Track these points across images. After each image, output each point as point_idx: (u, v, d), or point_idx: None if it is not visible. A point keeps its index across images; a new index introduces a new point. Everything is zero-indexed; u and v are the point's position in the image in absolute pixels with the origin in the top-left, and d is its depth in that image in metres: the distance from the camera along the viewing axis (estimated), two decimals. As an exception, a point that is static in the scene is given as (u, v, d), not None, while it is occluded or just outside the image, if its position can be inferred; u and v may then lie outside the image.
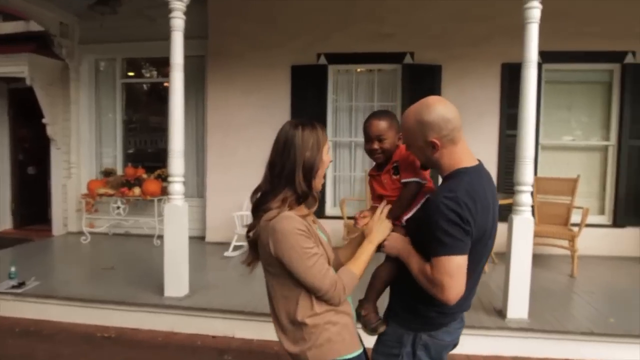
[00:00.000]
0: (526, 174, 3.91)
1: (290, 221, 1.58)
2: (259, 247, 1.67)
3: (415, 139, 1.67)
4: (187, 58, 7.35)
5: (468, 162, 1.70)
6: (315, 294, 1.62)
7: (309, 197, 1.71)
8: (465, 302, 1.74)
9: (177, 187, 4.42)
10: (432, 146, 1.64)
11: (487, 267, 5.48)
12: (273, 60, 6.87)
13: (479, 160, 1.76)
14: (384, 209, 1.86)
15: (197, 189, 7.60)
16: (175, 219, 4.45)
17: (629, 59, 6.33)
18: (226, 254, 6.22)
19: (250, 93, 6.93)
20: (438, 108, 1.63)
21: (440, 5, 6.56)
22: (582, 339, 3.83)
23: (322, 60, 6.79)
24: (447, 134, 1.63)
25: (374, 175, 1.99)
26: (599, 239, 6.33)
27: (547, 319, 4.04)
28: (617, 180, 6.41)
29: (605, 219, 6.57)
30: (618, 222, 6.43)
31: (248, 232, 1.73)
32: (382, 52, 6.65)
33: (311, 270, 1.57)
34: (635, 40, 6.27)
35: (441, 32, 6.59)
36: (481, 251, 1.66)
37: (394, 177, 1.87)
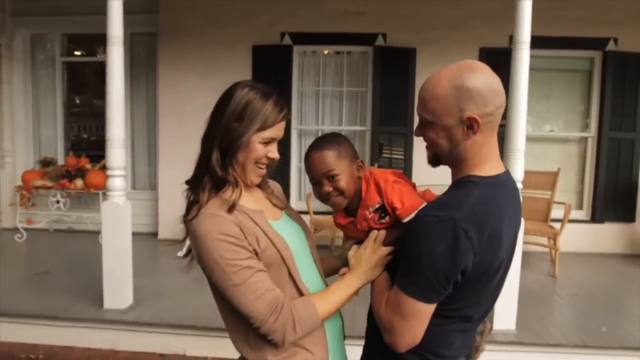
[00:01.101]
0: (517, 170, 3.48)
1: (211, 222, 1.22)
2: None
3: (446, 113, 1.21)
4: (137, 35, 6.80)
5: (491, 168, 1.26)
6: (250, 323, 1.23)
7: (227, 184, 1.33)
8: (459, 352, 1.34)
9: (117, 182, 3.77)
10: (469, 125, 1.21)
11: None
12: (232, 39, 6.25)
13: (505, 168, 1.30)
14: (378, 236, 1.43)
15: (149, 181, 6.98)
16: (115, 220, 3.82)
17: (610, 46, 6.05)
18: (180, 254, 5.59)
19: (206, 76, 6.29)
20: (486, 74, 1.21)
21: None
22: (576, 352, 3.47)
23: (287, 40, 6.22)
24: (491, 113, 1.21)
25: (344, 225, 1.53)
26: (576, 235, 6.07)
27: (535, 329, 3.67)
28: (596, 173, 6.15)
29: (583, 214, 6.32)
30: (597, 217, 6.18)
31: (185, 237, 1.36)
32: (352, 32, 6.14)
33: (238, 289, 1.20)
34: (618, 26, 5.99)
35: (415, 13, 6.12)
36: (481, 292, 1.25)
37: (382, 221, 1.44)
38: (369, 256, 1.38)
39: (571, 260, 5.77)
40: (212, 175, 1.31)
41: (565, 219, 5.04)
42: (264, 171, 1.39)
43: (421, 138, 1.30)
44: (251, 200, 1.39)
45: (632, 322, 3.90)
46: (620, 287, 4.90)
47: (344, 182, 1.43)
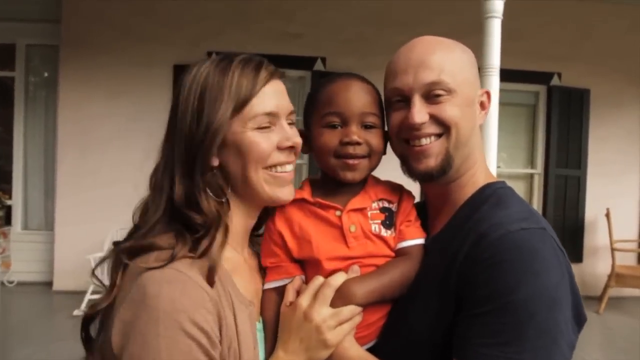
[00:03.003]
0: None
1: (183, 293, 0.83)
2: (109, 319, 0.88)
3: (468, 82, 1.07)
4: (34, 47, 5.98)
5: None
6: None
7: (209, 232, 0.94)
8: None
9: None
10: (482, 103, 1.11)
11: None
12: (150, 57, 5.53)
13: None
14: (337, 278, 1.02)
15: (46, 219, 6.01)
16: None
17: (555, 81, 5.92)
18: (77, 312, 4.63)
19: (118, 98, 5.51)
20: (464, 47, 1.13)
21: (354, 5, 5.66)
22: None
23: (214, 61, 5.51)
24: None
25: (321, 213, 1.10)
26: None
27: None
28: (543, 212, 5.92)
29: (531, 255, 6.02)
30: (545, 258, 5.89)
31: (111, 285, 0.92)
32: (289, 55, 5.60)
33: None
34: (562, 61, 5.89)
35: (356, 36, 5.71)
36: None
37: (385, 232, 1.09)
38: (322, 315, 0.97)
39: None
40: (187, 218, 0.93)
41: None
42: (288, 174, 1.05)
43: None
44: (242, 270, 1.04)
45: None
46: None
47: (379, 138, 1.11)
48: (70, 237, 5.47)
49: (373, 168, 1.13)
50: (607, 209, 5.60)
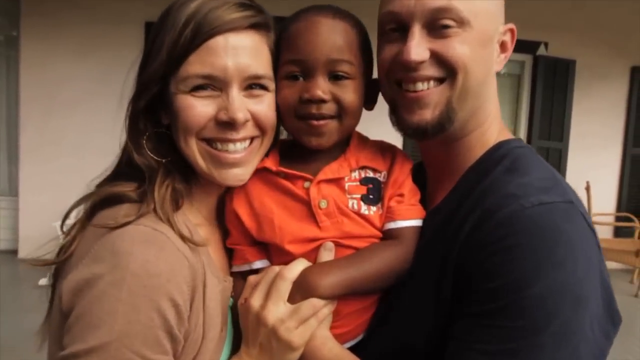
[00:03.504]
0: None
1: (155, 251, 0.74)
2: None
3: (488, 14, 0.85)
4: None
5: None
6: None
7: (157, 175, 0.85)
8: None
9: None
10: (503, 44, 0.89)
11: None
12: (120, 13, 5.24)
13: None
14: (323, 250, 0.87)
15: (10, 184, 5.74)
16: None
17: (541, 51, 5.77)
18: (42, 282, 4.44)
19: (85, 56, 5.22)
20: None
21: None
22: None
23: (189, 19, 5.21)
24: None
25: (285, 185, 0.92)
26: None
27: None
28: (524, 184, 5.86)
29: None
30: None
31: (61, 249, 0.83)
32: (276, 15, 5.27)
33: None
34: (550, 30, 5.72)
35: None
36: None
37: (365, 209, 0.90)
38: (277, 315, 0.82)
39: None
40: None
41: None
42: (231, 155, 0.88)
43: None
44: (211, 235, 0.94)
45: None
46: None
47: (354, 92, 0.90)
48: (36, 204, 5.24)
49: (347, 131, 0.92)
50: (587, 182, 5.59)
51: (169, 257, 0.75)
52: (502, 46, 0.89)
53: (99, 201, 0.82)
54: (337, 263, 0.85)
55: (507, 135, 0.91)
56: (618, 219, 6.08)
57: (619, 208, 6.18)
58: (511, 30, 0.89)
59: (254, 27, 0.86)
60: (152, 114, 0.89)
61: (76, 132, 5.23)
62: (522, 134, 5.95)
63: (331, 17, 0.89)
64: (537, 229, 0.71)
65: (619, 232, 6.08)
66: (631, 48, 5.90)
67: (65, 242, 0.82)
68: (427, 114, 0.84)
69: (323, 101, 0.87)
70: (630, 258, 5.24)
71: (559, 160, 5.93)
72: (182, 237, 0.79)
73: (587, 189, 5.57)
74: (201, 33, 0.81)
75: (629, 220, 5.83)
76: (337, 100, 0.89)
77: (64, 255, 0.80)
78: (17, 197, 5.45)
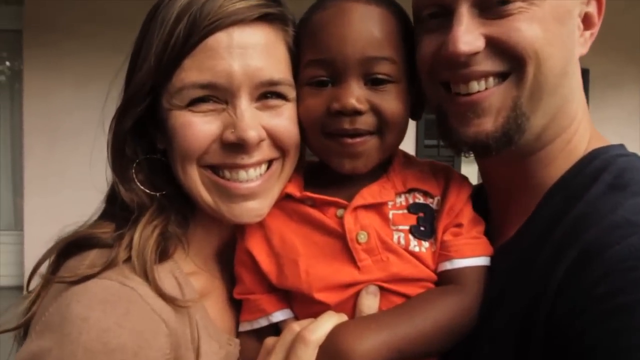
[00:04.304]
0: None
1: (120, 314, 0.58)
2: None
3: None
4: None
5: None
6: None
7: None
8: None
9: None
10: (589, 19, 0.69)
11: None
12: (124, 41, 5.01)
13: None
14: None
15: (15, 218, 5.63)
16: None
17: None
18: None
19: (88, 85, 5.14)
20: None
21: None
22: None
23: (192, 44, 5.18)
24: None
25: (313, 214, 0.73)
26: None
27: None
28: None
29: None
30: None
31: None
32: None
33: None
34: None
35: None
36: None
37: (414, 245, 0.70)
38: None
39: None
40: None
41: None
42: (244, 186, 0.71)
43: None
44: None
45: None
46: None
47: (398, 99, 0.71)
48: (41, 236, 5.10)
49: (389, 150, 0.74)
50: (608, 194, 5.43)
51: (137, 323, 0.58)
52: (586, 20, 0.69)
53: (65, 247, 0.68)
54: (379, 318, 0.66)
55: (602, 140, 0.71)
56: None
57: None
58: (599, 2, 0.67)
59: (265, 19, 0.69)
60: (144, 136, 0.72)
61: (79, 163, 5.15)
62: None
63: (365, 2, 0.70)
64: None
65: None
66: (646, 56, 5.79)
67: (28, 302, 0.66)
68: (488, 123, 0.66)
69: (358, 113, 0.69)
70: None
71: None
72: (162, 295, 0.61)
73: (608, 201, 5.42)
74: (197, 29, 0.64)
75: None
76: (376, 110, 0.70)
77: (23, 319, 0.65)
78: (22, 231, 5.34)
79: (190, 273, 0.73)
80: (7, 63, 5.66)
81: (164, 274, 0.66)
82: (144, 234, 0.67)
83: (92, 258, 0.65)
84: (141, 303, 0.60)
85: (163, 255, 0.69)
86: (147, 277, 0.63)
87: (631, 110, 5.97)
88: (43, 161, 5.17)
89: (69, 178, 5.12)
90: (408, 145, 5.50)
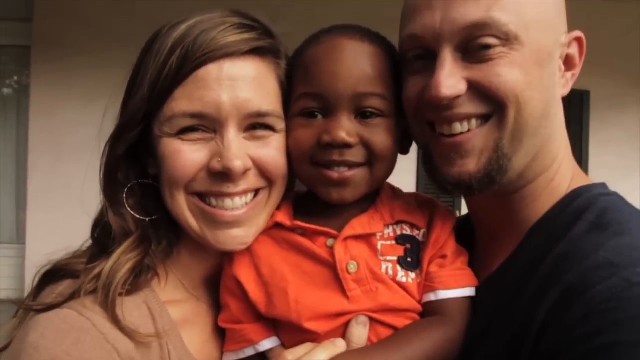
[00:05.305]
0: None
1: (69, 343, 0.59)
2: None
3: (545, 25, 0.66)
4: (3, 49, 5.60)
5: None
6: None
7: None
8: None
9: None
10: (569, 59, 0.71)
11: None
12: (128, 57, 5.03)
13: None
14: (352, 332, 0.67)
15: (18, 232, 5.61)
16: None
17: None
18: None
19: (94, 101, 5.08)
20: None
21: (344, 2, 5.43)
22: None
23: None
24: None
25: (303, 243, 0.74)
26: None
27: None
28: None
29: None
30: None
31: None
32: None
33: None
34: (561, 61, 5.66)
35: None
36: None
37: (404, 274, 0.72)
38: None
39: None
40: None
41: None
42: (229, 213, 0.72)
43: None
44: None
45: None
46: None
47: (387, 133, 0.73)
48: (43, 251, 5.12)
49: (378, 182, 0.76)
50: (610, 216, 5.40)
51: (86, 352, 0.59)
52: (567, 61, 0.70)
53: (43, 276, 0.71)
54: (372, 351, 0.67)
55: (585, 179, 0.72)
56: (645, 252, 5.85)
57: (644, 241, 5.97)
58: (578, 40, 0.70)
59: (256, 52, 0.72)
60: (136, 161, 0.75)
61: (83, 178, 5.17)
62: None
63: (358, 39, 0.73)
64: None
65: (646, 267, 5.84)
66: (646, 76, 5.81)
67: (11, 326, 0.69)
68: (471, 164, 0.67)
69: (348, 146, 0.70)
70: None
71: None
72: (120, 328, 0.62)
73: (611, 222, 5.39)
74: (189, 60, 0.67)
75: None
76: (366, 144, 0.72)
77: (4, 343, 0.68)
78: (24, 245, 5.33)
79: (170, 302, 0.73)
80: (15, 77, 5.70)
81: (135, 304, 0.67)
82: (115, 266, 0.68)
83: (62, 288, 0.68)
84: (94, 332, 0.61)
85: (136, 286, 0.70)
86: (108, 307, 0.64)
87: (633, 131, 5.98)
88: (47, 176, 5.17)
89: (73, 193, 5.08)
90: (409, 176, 5.43)
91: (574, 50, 0.73)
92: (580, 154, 5.79)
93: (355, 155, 0.72)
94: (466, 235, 0.78)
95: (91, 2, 5.17)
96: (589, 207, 0.66)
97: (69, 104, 5.20)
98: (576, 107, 5.76)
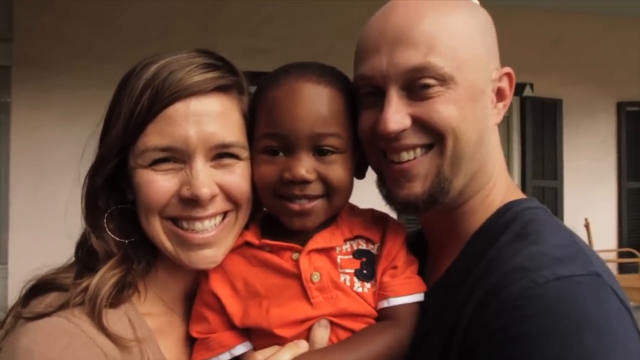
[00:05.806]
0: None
1: (61, 346, 0.64)
2: None
3: (472, 61, 0.75)
4: None
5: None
6: None
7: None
8: None
9: None
10: (500, 91, 0.80)
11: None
12: (111, 76, 4.94)
13: None
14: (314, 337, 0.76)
15: (0, 252, 5.51)
16: None
17: (527, 92, 5.85)
18: None
19: (75, 120, 5.12)
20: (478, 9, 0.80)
21: (324, 18, 5.47)
22: None
23: (179, 79, 5.24)
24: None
25: (271, 259, 0.82)
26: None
27: None
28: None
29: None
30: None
31: None
32: (258, 71, 5.25)
33: None
34: (533, 71, 5.80)
35: (328, 50, 5.47)
36: None
37: (358, 287, 0.80)
38: None
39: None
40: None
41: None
42: (199, 236, 0.79)
43: None
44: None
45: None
46: None
47: (343, 168, 0.82)
48: (26, 273, 5.06)
49: (336, 210, 0.83)
50: (586, 219, 5.54)
51: (78, 354, 0.64)
52: (499, 94, 0.78)
53: (30, 289, 0.75)
54: (330, 350, 0.75)
55: (517, 194, 0.81)
56: (621, 254, 5.99)
57: (620, 243, 6.10)
58: (508, 75, 0.79)
59: (220, 89, 0.79)
60: (115, 188, 0.81)
61: (66, 198, 5.12)
62: (516, 175, 5.94)
63: (315, 81, 0.80)
64: (553, 312, 0.58)
65: (622, 269, 5.97)
66: (615, 84, 6.00)
67: None
68: (417, 187, 0.76)
69: (307, 182, 0.78)
70: (636, 294, 5.10)
71: (555, 198, 5.90)
72: (107, 334, 0.68)
73: (587, 226, 5.52)
74: (159, 100, 0.73)
75: (632, 255, 5.74)
76: (323, 179, 0.79)
77: None
78: (6, 265, 5.25)
79: (147, 314, 0.80)
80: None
81: (117, 315, 0.74)
82: (101, 281, 0.74)
83: (50, 299, 0.72)
84: (84, 337, 0.67)
85: (118, 300, 0.76)
86: (94, 317, 0.70)
87: (605, 135, 6.15)
88: (29, 196, 5.12)
89: (55, 213, 5.04)
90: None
91: (504, 83, 0.81)
92: (555, 160, 5.95)
93: (314, 189, 0.80)
94: (421, 245, 0.89)
95: (71, 22, 5.17)
96: (516, 219, 0.74)
97: (50, 123, 5.18)
98: (550, 114, 5.93)
